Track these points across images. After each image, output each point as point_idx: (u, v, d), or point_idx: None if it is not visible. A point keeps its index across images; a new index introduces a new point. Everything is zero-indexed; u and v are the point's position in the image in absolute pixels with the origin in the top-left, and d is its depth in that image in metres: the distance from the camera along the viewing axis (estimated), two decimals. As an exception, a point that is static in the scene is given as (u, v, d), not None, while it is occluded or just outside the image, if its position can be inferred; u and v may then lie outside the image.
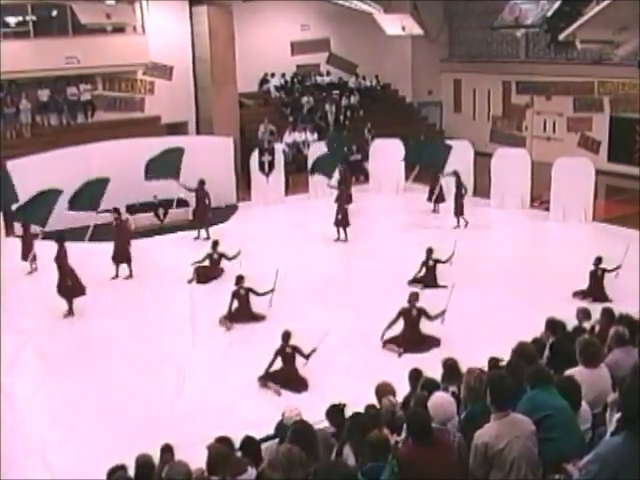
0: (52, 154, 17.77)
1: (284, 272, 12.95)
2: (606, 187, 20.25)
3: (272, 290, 12.35)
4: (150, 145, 18.54)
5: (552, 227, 18.10)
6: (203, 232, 17.18)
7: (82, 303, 13.04)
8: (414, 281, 13.61)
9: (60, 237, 13.19)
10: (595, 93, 23.58)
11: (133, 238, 15.42)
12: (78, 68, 21.13)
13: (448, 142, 19.85)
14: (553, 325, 7.63)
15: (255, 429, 7.06)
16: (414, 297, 11.23)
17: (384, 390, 6.41)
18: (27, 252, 15.03)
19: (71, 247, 13.65)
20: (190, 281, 14.35)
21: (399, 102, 28.16)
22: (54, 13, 21.73)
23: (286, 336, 10.19)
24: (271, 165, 20.48)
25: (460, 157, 19.19)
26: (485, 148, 23.39)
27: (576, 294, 12.76)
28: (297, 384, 10.12)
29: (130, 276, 14.81)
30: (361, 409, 6.05)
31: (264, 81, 25.94)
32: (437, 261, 13.74)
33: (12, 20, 21.28)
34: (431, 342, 11.17)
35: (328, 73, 26.96)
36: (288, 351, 10.20)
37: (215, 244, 14.69)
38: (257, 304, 12.49)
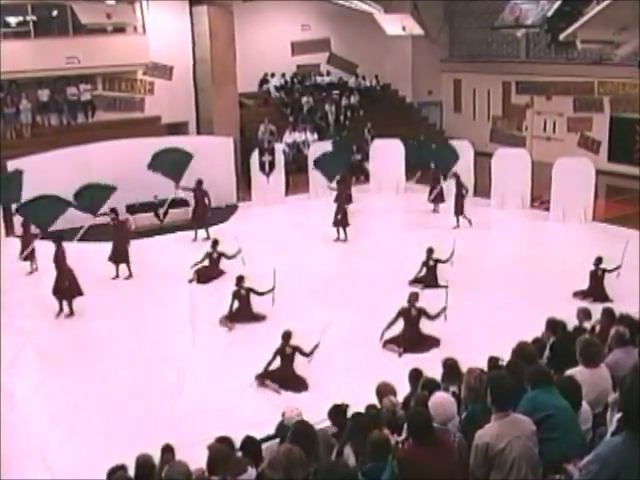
0: (52, 154, 17.76)
1: (284, 272, 12.96)
2: (606, 187, 20.25)
3: (273, 289, 12.34)
4: (150, 145, 18.54)
5: (552, 227, 18.09)
6: (203, 232, 17.17)
7: (82, 303, 13.04)
8: (415, 281, 13.61)
9: (57, 237, 13.18)
10: (595, 93, 23.58)
11: (133, 238, 15.42)
12: (78, 68, 21.13)
13: (454, 147, 19.63)
14: (553, 325, 7.63)
15: (255, 429, 7.06)
16: (414, 297, 11.23)
17: (384, 390, 6.41)
18: (27, 252, 15.03)
19: (72, 247, 13.70)
20: (190, 281, 14.35)
21: (399, 102, 28.16)
22: (54, 13, 21.72)
23: (287, 336, 10.19)
24: (271, 165, 20.48)
25: (460, 157, 19.18)
26: (485, 148, 23.39)
27: (576, 294, 12.76)
28: (294, 384, 10.11)
29: (130, 276, 14.82)
30: (361, 409, 6.05)
31: (264, 81, 25.95)
32: (437, 261, 13.74)
33: (12, 20, 21.28)
34: (431, 342, 11.17)
35: (328, 73, 26.97)
36: (288, 351, 10.20)
37: (215, 243, 14.69)
38: (258, 304, 12.49)
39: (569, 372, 5.61)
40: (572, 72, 23.67)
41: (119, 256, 14.76)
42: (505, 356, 6.55)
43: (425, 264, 13.78)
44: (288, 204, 20.56)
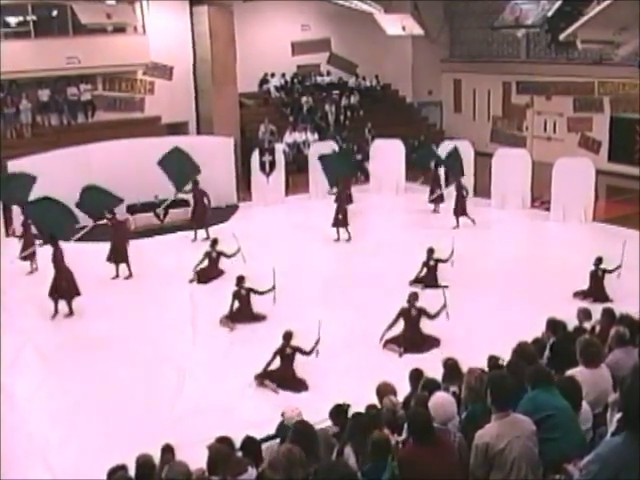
0: (52, 154, 17.75)
1: (284, 272, 12.95)
2: (606, 187, 20.26)
3: (273, 288, 12.32)
4: (151, 145, 18.54)
5: (552, 227, 18.10)
6: (203, 232, 17.16)
7: (82, 303, 13.04)
8: (415, 281, 13.61)
9: (54, 238, 13.17)
10: (595, 93, 23.58)
11: (133, 238, 15.42)
12: (78, 68, 21.14)
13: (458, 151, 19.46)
14: (554, 325, 7.62)
15: (255, 429, 7.06)
16: (414, 297, 11.22)
17: (385, 390, 6.41)
18: (26, 252, 15.04)
19: (71, 247, 13.68)
20: (191, 281, 14.35)
21: (399, 102, 28.16)
22: (54, 13, 21.72)
23: (287, 336, 10.18)
24: (271, 165, 20.48)
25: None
26: (485, 148, 23.40)
27: (577, 294, 12.76)
28: (293, 384, 10.11)
29: (130, 276, 14.81)
30: (362, 409, 6.05)
31: (264, 81, 25.95)
32: (438, 261, 13.73)
33: (13, 20, 21.29)
34: (431, 342, 11.17)
35: (328, 73, 26.97)
36: (288, 352, 10.19)
37: (214, 242, 14.69)
38: (258, 304, 12.49)
39: (569, 372, 5.61)
40: (572, 72, 23.67)
41: (119, 256, 14.76)
42: (505, 356, 6.55)
43: (426, 264, 13.77)
44: (288, 204, 20.56)
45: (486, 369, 6.27)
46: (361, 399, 6.49)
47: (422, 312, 11.18)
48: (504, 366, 6.36)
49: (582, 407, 5.19)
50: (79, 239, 15.45)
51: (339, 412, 6.41)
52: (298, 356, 10.21)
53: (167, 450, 6.57)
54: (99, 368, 10.83)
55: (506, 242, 17.07)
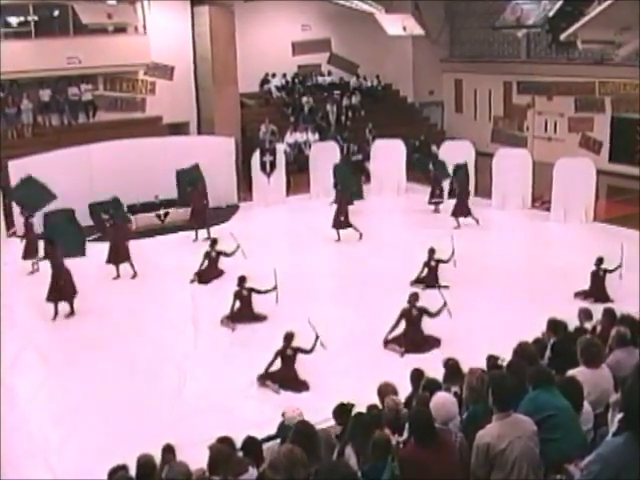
0: (53, 154, 17.76)
1: (285, 272, 12.94)
2: (607, 187, 20.23)
3: (275, 287, 12.32)
4: (152, 145, 18.54)
5: (553, 227, 18.09)
6: (204, 233, 17.16)
7: (83, 303, 13.02)
8: (416, 281, 13.60)
9: (52, 241, 13.15)
10: (596, 93, 23.56)
11: (133, 238, 15.41)
12: (79, 68, 21.16)
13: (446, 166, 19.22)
14: (554, 325, 7.62)
15: (256, 429, 7.07)
16: (414, 297, 11.22)
17: (386, 390, 6.40)
18: (30, 251, 15.04)
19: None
20: (192, 281, 14.35)
21: (400, 102, 28.16)
22: (55, 13, 21.75)
23: (288, 337, 10.16)
24: (272, 165, 20.48)
25: (461, 157, 19.18)
26: (486, 148, 23.37)
27: (577, 294, 12.74)
28: (295, 385, 10.11)
29: (135, 275, 14.75)
30: (363, 409, 6.05)
31: (265, 81, 25.96)
32: (439, 261, 13.72)
33: (14, 20, 21.32)
34: (432, 342, 11.16)
35: (329, 73, 26.98)
36: (289, 353, 10.17)
37: (213, 242, 14.69)
38: (259, 304, 12.49)
39: (570, 372, 5.61)
40: (573, 72, 23.66)
41: (119, 256, 14.75)
42: (506, 356, 6.55)
43: (427, 264, 13.76)
44: (289, 204, 20.56)
45: (485, 369, 6.27)
46: (362, 399, 6.49)
47: (423, 311, 11.18)
48: (503, 365, 6.37)
49: (583, 407, 5.19)
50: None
51: (343, 411, 6.41)
52: (300, 356, 10.20)
53: (168, 450, 6.56)
54: (100, 368, 10.83)
55: (507, 242, 17.07)
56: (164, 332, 12.19)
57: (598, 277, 12.83)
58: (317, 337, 10.03)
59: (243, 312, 12.35)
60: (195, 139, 22.26)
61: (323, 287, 14.03)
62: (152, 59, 22.39)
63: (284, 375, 10.19)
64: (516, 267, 14.86)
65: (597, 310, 8.49)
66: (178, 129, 23.15)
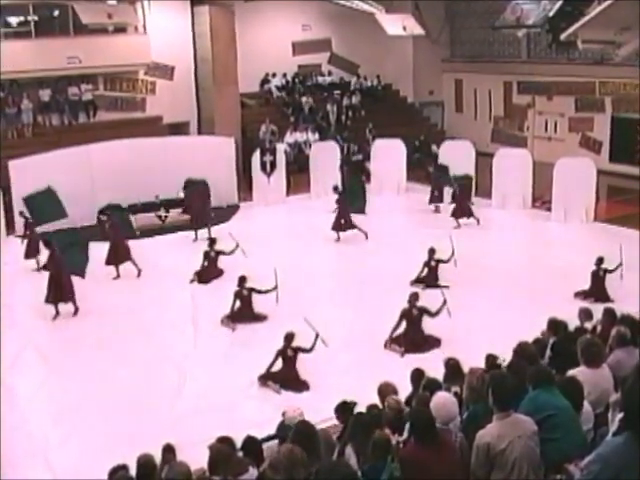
0: (54, 154, 17.77)
1: (285, 272, 12.94)
2: (607, 187, 20.24)
3: (275, 287, 12.31)
4: (152, 145, 18.53)
5: (553, 227, 18.09)
6: (205, 233, 17.14)
7: (83, 303, 13.02)
8: (417, 281, 13.60)
9: (48, 241, 13.11)
10: (597, 93, 23.56)
11: (133, 238, 15.40)
12: (79, 68, 21.15)
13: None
14: (555, 325, 7.62)
15: (257, 429, 7.06)
16: (414, 297, 11.21)
17: (386, 390, 6.40)
18: (31, 251, 15.05)
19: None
20: (192, 281, 14.35)
21: (400, 102, 28.15)
22: (56, 13, 21.74)
23: (289, 337, 10.15)
24: (272, 165, 20.48)
25: (462, 157, 19.18)
26: (486, 148, 23.36)
27: (578, 294, 12.74)
28: (296, 385, 10.11)
29: (139, 274, 14.73)
30: (363, 409, 6.04)
31: (265, 81, 25.95)
32: (439, 261, 13.72)
33: (14, 20, 21.31)
34: (432, 342, 11.16)
35: (329, 73, 26.96)
36: (289, 353, 10.17)
37: (212, 242, 14.68)
38: (259, 304, 12.49)
39: (571, 372, 5.60)
40: (573, 72, 23.66)
41: (119, 257, 14.74)
42: (506, 356, 6.55)
43: (427, 264, 13.76)
44: (289, 204, 20.56)
45: (484, 368, 6.27)
46: (362, 399, 6.49)
47: (423, 311, 11.18)
48: (502, 365, 6.37)
49: (583, 407, 5.19)
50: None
51: (345, 409, 6.41)
52: (301, 355, 10.20)
53: (168, 450, 6.56)
54: (100, 368, 10.83)
55: (507, 242, 17.06)
56: (164, 332, 12.18)
57: (598, 277, 12.83)
58: (317, 335, 10.02)
59: (243, 312, 12.35)
60: (195, 139, 22.26)
61: (323, 287, 14.02)
62: (152, 59, 22.39)
63: (285, 375, 10.18)
64: (516, 267, 14.85)
65: (597, 310, 8.49)
66: (178, 129, 23.15)
